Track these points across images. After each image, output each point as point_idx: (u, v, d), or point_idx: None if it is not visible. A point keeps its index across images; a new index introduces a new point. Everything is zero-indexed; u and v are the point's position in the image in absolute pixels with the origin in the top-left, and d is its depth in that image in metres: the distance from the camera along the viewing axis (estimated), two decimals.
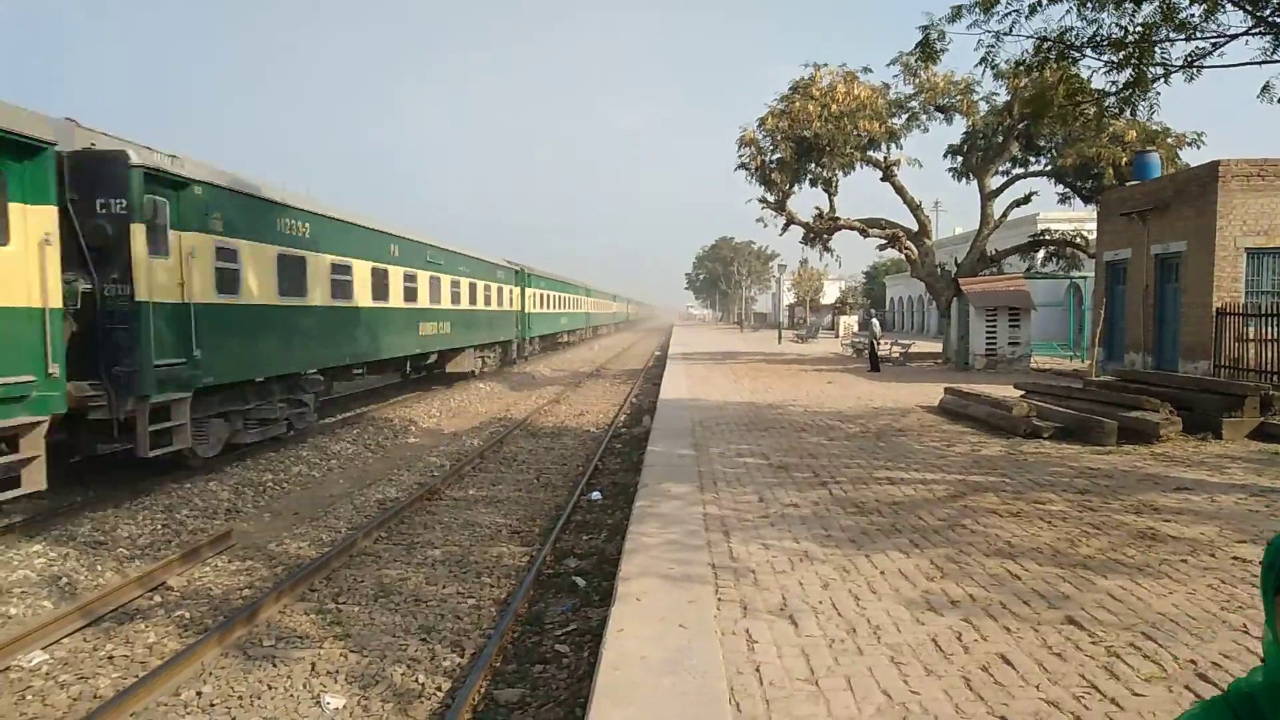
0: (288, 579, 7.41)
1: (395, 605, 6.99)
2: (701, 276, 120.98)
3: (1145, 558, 6.25)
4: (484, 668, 5.61)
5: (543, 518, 9.88)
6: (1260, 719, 1.17)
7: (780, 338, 47.29)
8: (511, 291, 31.71)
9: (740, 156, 25.74)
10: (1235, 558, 6.20)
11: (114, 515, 9.37)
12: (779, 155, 24.93)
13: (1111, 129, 21.92)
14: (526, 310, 34.01)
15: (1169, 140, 23.17)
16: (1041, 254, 29.10)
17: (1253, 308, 16.38)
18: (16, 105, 8.40)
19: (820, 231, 27.77)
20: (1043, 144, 25.67)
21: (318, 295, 14.54)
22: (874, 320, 26.44)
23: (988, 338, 24.39)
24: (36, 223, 8.39)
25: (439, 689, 5.51)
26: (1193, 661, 4.40)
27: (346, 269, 15.82)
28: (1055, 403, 13.43)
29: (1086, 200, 26.20)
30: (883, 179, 26.29)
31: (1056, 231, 28.33)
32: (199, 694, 5.38)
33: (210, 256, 11.21)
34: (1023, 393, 14.85)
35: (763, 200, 27.46)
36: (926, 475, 9.47)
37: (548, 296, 40.23)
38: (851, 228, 27.38)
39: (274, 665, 5.82)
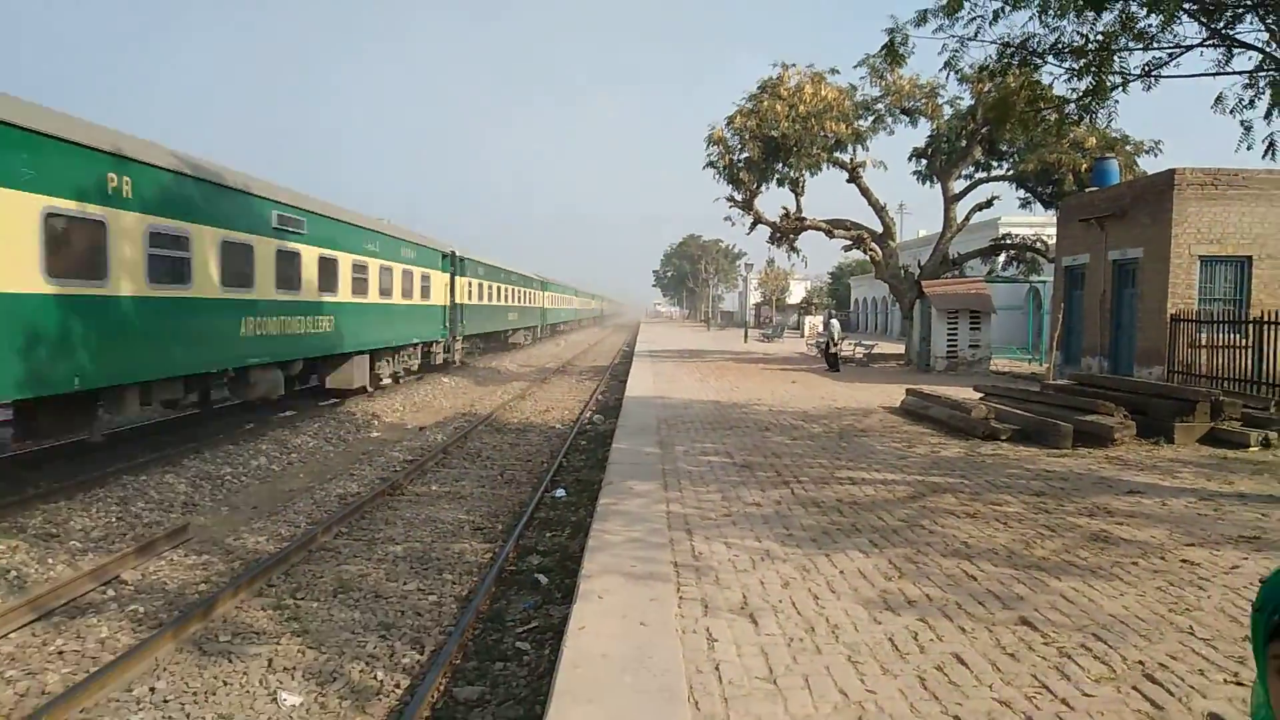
0: (245, 574, 7.32)
1: (355, 601, 6.93)
2: (669, 274, 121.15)
3: (1098, 560, 6.39)
4: (444, 665, 5.59)
5: (506, 514, 9.85)
6: None
7: (746, 336, 47.53)
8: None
9: (709, 155, 25.81)
10: (1184, 560, 6.36)
11: (66, 507, 9.18)
12: (747, 154, 25.03)
13: (1072, 135, 22.30)
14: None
15: (1128, 148, 23.65)
16: (1002, 258, 29.51)
17: (1205, 315, 16.78)
18: None
19: (787, 231, 27.94)
20: (1005, 149, 26.04)
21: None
22: (833, 322, 26.70)
23: (949, 340, 24.73)
24: None
25: (398, 686, 5.48)
26: (1141, 663, 4.51)
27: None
28: (1013, 405, 13.65)
29: (1047, 205, 26.66)
30: (849, 180, 26.51)
31: (1017, 236, 28.75)
32: (152, 690, 5.30)
33: None
34: (982, 395, 15.08)
35: (730, 199, 27.55)
36: (887, 475, 9.59)
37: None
38: (817, 228, 27.58)
39: (230, 661, 5.75)
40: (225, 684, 5.44)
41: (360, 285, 18.41)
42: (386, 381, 20.83)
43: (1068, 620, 5.13)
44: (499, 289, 36.77)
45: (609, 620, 5.07)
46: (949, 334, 24.70)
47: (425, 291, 23.76)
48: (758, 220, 28.01)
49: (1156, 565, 6.25)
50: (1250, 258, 17.29)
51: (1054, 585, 5.79)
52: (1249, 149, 10.89)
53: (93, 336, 9.94)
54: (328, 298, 16.51)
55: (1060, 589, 5.71)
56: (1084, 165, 23.34)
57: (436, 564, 7.95)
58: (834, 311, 47.60)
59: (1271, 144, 10.43)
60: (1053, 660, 4.54)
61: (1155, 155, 23.91)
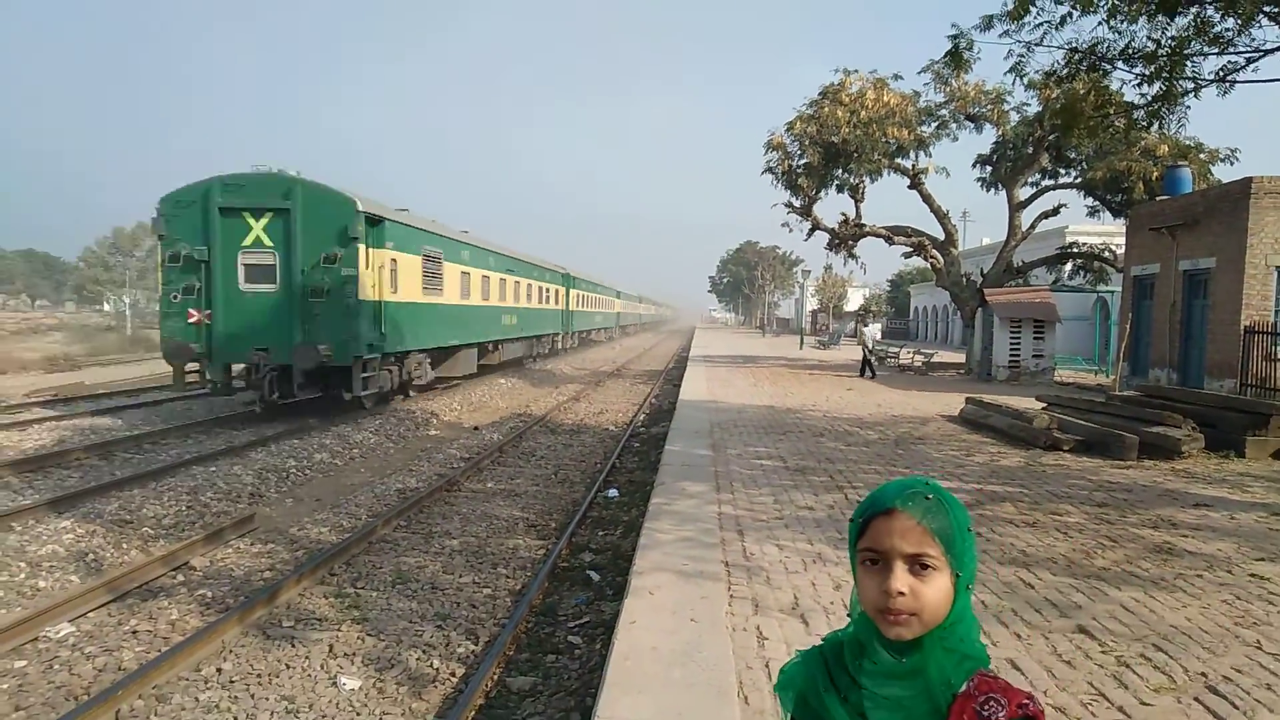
0: (308, 562, 7.54)
1: (412, 592, 7.10)
2: (725, 280, 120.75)
3: (1160, 571, 6.24)
4: (497, 655, 5.70)
5: (559, 513, 9.96)
6: (842, 662, 1.35)
7: (802, 343, 47.18)
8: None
9: (767, 160, 25.73)
10: (1252, 575, 6.17)
11: (140, 495, 9.57)
12: (806, 160, 24.88)
13: (1143, 143, 21.72)
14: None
15: (1201, 156, 22.90)
16: (1069, 267, 28.83)
17: None
18: None
19: (845, 238, 27.68)
20: (1072, 156, 25.41)
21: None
22: (867, 328, 26.39)
23: (1011, 349, 24.22)
24: None
25: (453, 674, 5.60)
26: (1203, 674, 4.41)
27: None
28: (1077, 415, 13.34)
29: (1116, 214, 25.96)
30: (910, 187, 26.16)
31: (1085, 244, 28.08)
32: (219, 670, 5.51)
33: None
34: (1044, 405, 14.76)
35: (789, 205, 27.42)
36: (944, 483, 9.44)
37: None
38: (877, 235, 27.28)
39: (292, 645, 5.94)
40: (288, 667, 5.63)
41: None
42: (535, 356, 32.75)
43: (1127, 630, 5.03)
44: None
45: (660, 615, 5.12)
46: (1011, 343, 24.18)
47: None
48: (816, 226, 27.81)
49: (1223, 579, 6.07)
50: None
51: (1114, 595, 5.67)
52: None
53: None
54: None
55: (1120, 599, 5.59)
56: (1155, 173, 22.69)
57: (491, 558, 8.09)
58: (866, 317, 47.18)
59: None
60: (1110, 669, 4.46)
61: (1231, 164, 23.17)
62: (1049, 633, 4.99)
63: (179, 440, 13.38)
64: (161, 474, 10.56)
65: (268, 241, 14.83)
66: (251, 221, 14.82)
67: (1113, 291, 29.09)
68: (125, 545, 8.12)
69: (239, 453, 12.04)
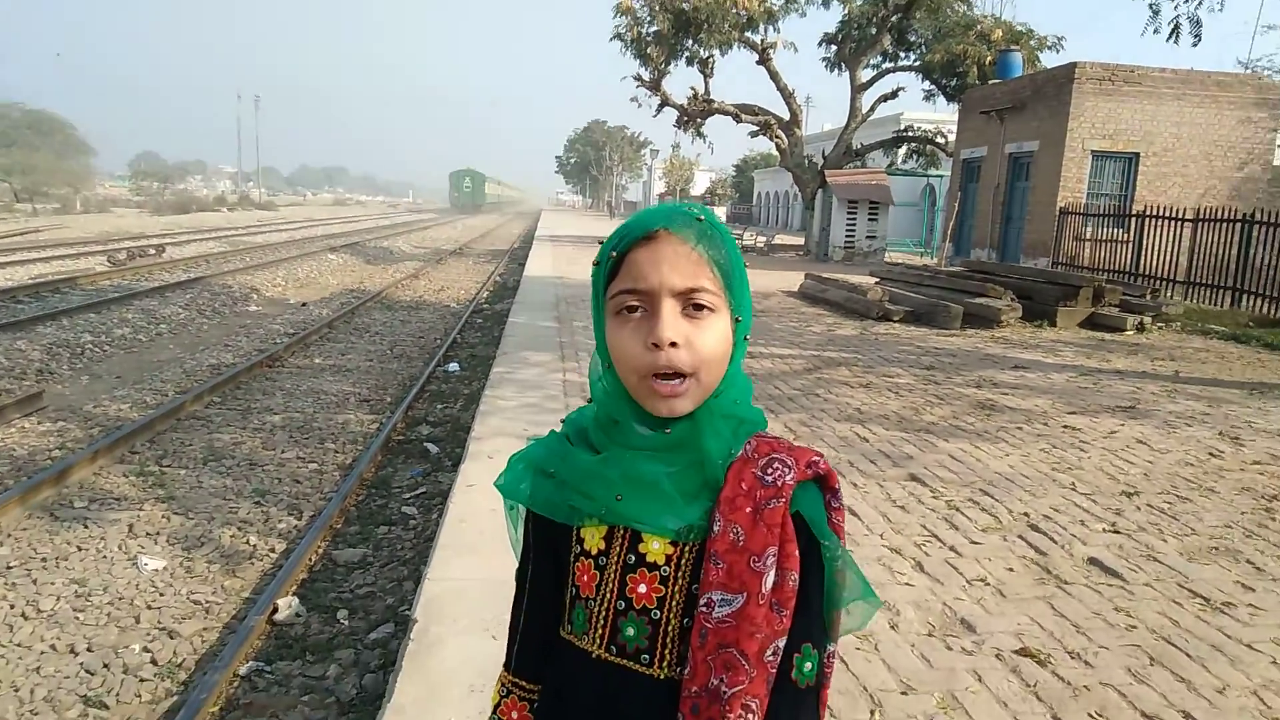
0: (104, 438, 6.77)
1: (227, 469, 6.51)
2: (573, 160, 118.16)
3: (984, 425, 6.53)
4: (322, 529, 5.30)
5: (395, 387, 9.45)
6: (587, 442, 1.07)
7: None
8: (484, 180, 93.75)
9: (616, 25, 24.73)
10: (1065, 426, 6.55)
11: None
12: (656, 28, 24.07)
13: (979, 27, 22.25)
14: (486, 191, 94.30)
15: (1031, 43, 23.77)
16: (903, 150, 29.73)
17: (1093, 208, 17.30)
18: None
19: (695, 114, 27.31)
20: (913, 39, 25.87)
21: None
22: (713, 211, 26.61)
23: (848, 230, 24.94)
24: None
25: (272, 550, 5.17)
26: (1025, 514, 4.60)
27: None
28: (907, 289, 13.88)
29: (950, 98, 26.75)
30: (759, 63, 25.92)
31: (919, 129, 28.92)
32: None
33: None
34: (877, 279, 15.28)
35: (638, 78, 26.65)
36: (784, 351, 9.59)
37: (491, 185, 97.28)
38: (725, 112, 27.05)
39: (85, 527, 5.30)
40: (79, 549, 5.02)
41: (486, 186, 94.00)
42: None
43: (956, 477, 5.20)
44: (494, 185, 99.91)
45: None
46: (848, 224, 24.88)
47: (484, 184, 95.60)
48: (665, 102, 27.26)
49: (1040, 430, 6.42)
50: (1138, 154, 17.82)
51: (942, 446, 5.87)
52: (1155, 32, 10.95)
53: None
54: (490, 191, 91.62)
55: (948, 450, 5.79)
56: (989, 58, 23.38)
57: (319, 433, 7.55)
58: (716, 200, 47.87)
59: (1176, 26, 10.50)
60: (942, 512, 4.59)
61: (1057, 51, 24.19)
62: (883, 481, 5.08)
63: None
64: None
65: None
66: None
67: (941, 177, 30.37)
68: None
69: (23, 326, 10.68)
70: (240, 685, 3.80)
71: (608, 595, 1.04)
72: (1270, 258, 12.74)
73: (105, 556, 4.96)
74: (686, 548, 1.01)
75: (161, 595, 4.58)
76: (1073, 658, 3.16)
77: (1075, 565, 3.98)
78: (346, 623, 4.38)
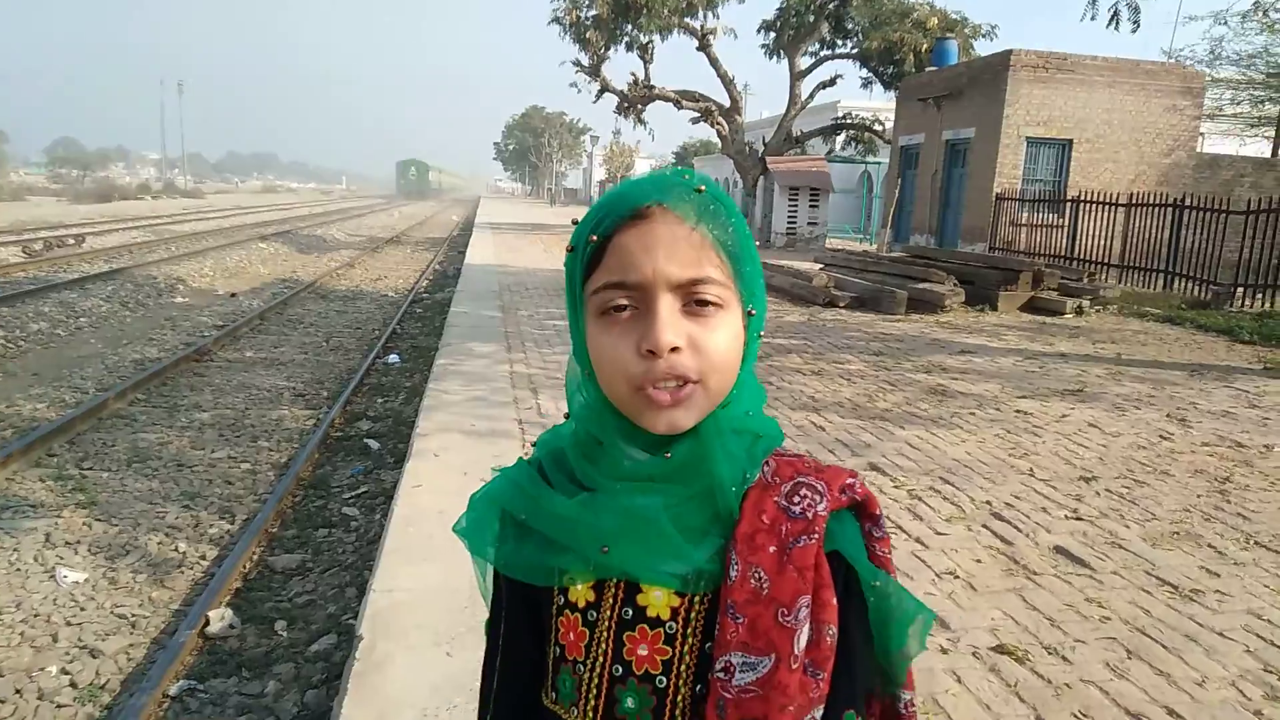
0: (17, 441, 6.32)
1: (153, 471, 6.12)
2: (511, 147, 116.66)
3: (938, 411, 6.49)
4: (257, 533, 4.99)
5: (332, 380, 9.08)
6: (567, 471, 0.87)
7: None
8: (434, 174, 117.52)
9: (554, 9, 24.31)
10: (1018, 410, 6.55)
11: None
12: (595, 11, 23.73)
13: (915, 14, 22.43)
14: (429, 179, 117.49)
15: (966, 30, 24.08)
16: (841, 138, 29.93)
17: (1028, 194, 17.59)
18: None
19: (635, 100, 27.07)
20: (850, 26, 25.99)
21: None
22: None
23: (789, 217, 25.03)
24: None
25: (203, 558, 4.85)
26: (988, 502, 4.53)
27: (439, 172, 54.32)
28: (852, 275, 13.91)
29: (887, 86, 26.97)
30: (698, 48, 25.78)
31: (857, 116, 29.13)
32: None
33: None
34: (822, 265, 15.30)
35: (576, 63, 26.30)
36: None
37: (436, 174, 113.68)
38: (666, 98, 26.87)
39: None
40: None
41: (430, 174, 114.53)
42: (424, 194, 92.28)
43: (915, 465, 5.12)
44: (437, 174, 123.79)
45: (448, 476, 4.62)
46: (789, 210, 24.98)
47: (427, 173, 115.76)
48: (605, 88, 26.95)
49: (993, 415, 6.40)
50: (1071, 140, 18.15)
51: (899, 434, 5.80)
52: (1093, 19, 11.07)
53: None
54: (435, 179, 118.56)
55: (905, 437, 5.72)
56: (925, 45, 23.61)
57: (251, 431, 7.17)
58: None
59: (1115, 14, 10.62)
60: (905, 502, 4.49)
61: (991, 39, 24.53)
62: None
63: None
64: None
65: None
66: None
67: (879, 163, 30.68)
68: None
69: None
70: (170, 707, 3.52)
71: (600, 658, 0.84)
72: (1199, 241, 13.07)
73: (19, 569, 4.60)
74: (696, 598, 0.82)
75: (82, 610, 4.25)
76: (1050, 653, 3.07)
77: (1042, 555, 3.92)
78: (285, 634, 4.11)
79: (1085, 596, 3.52)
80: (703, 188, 0.80)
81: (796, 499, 0.81)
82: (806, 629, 0.78)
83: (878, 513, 0.86)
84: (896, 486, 4.74)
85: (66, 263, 16.60)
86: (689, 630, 0.82)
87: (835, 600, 0.79)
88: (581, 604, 0.85)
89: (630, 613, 0.83)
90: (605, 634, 0.84)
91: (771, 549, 0.79)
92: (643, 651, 0.82)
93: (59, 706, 3.52)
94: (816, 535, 0.79)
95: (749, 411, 0.85)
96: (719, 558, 0.80)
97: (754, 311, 0.82)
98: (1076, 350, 9.36)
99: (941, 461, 5.22)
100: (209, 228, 28.82)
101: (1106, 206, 15.06)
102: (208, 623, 4.05)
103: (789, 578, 0.78)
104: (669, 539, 0.80)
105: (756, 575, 0.78)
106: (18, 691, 3.59)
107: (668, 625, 0.82)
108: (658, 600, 0.82)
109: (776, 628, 0.77)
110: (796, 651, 0.77)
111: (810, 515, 0.80)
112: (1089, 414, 6.51)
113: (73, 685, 3.66)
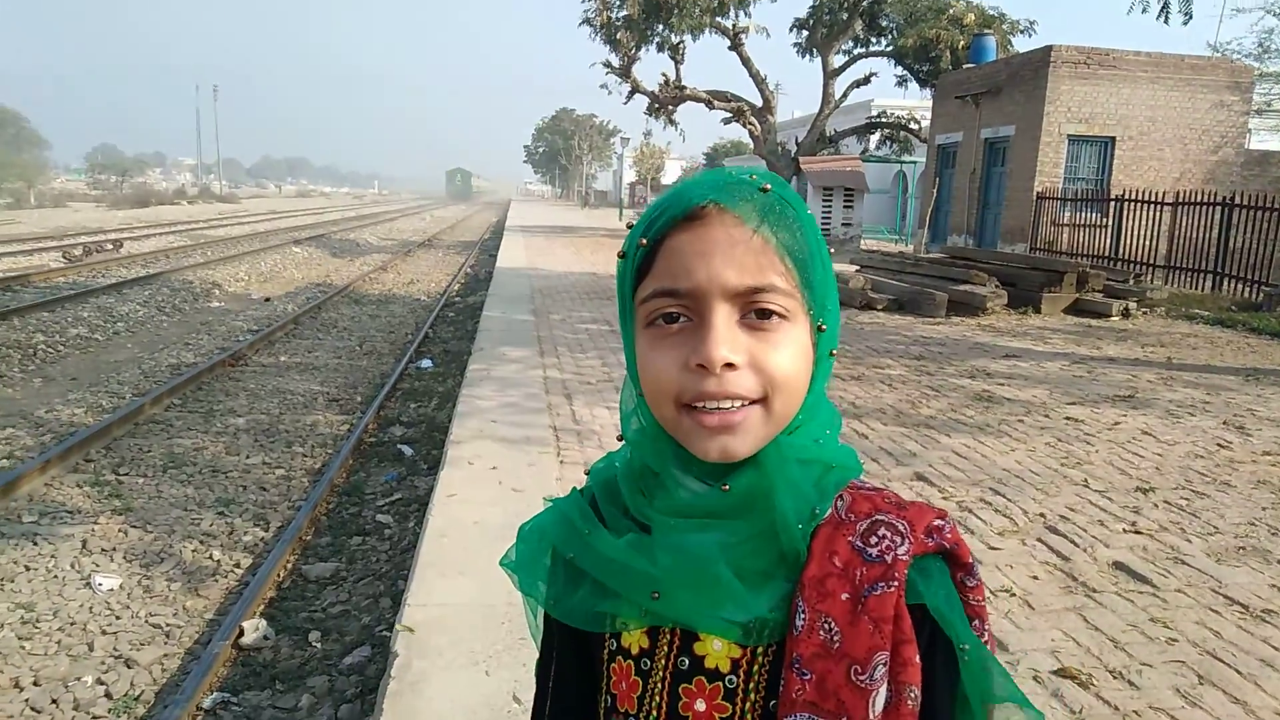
0: (56, 446, 6.35)
1: (188, 477, 6.12)
2: (541, 150, 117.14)
3: (984, 418, 6.30)
4: (291, 541, 4.94)
5: (365, 386, 9.07)
6: (620, 505, 0.80)
7: (621, 214, 46.70)
8: (472, 177, 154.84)
9: (585, 10, 24.29)
10: (1068, 418, 6.34)
11: None
12: (626, 12, 23.66)
13: (951, 10, 22.10)
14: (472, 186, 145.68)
15: (1004, 26, 23.68)
16: (876, 137, 29.60)
17: (1069, 193, 17.22)
18: None
19: (666, 101, 26.97)
20: (885, 24, 25.70)
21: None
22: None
23: (823, 218, 24.74)
24: None
25: (238, 565, 4.81)
26: (1041, 515, 4.36)
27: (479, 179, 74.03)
28: (889, 276, 13.68)
29: (923, 84, 26.62)
30: (730, 48, 25.61)
31: (892, 115, 28.79)
32: None
33: None
34: (858, 267, 15.07)
35: (607, 64, 26.26)
36: None
37: (477, 181, 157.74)
38: (698, 99, 26.74)
39: (34, 544, 4.91)
40: (28, 569, 4.64)
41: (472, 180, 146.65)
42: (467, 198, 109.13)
43: (964, 475, 4.96)
44: (478, 181, 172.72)
45: (482, 486, 4.53)
46: (824, 211, 24.70)
47: (470, 179, 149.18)
48: (635, 89, 26.88)
49: (1042, 422, 6.20)
50: (1114, 138, 17.74)
51: (945, 442, 5.63)
52: (1144, 11, 10.75)
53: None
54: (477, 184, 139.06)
55: (951, 445, 5.55)
56: (961, 43, 23.25)
57: (285, 437, 7.16)
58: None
59: (1165, 5, 10.31)
60: (955, 515, 4.33)
61: (1029, 35, 24.12)
62: (889, 481, 4.83)
63: None
64: None
65: None
66: None
67: (914, 163, 30.29)
68: None
69: None
70: (203, 719, 3.46)
71: (654, 711, 0.76)
72: (1250, 241, 12.68)
73: (56, 576, 4.59)
74: (759, 650, 0.73)
75: (117, 619, 4.22)
76: (1116, 677, 2.91)
77: (1101, 570, 3.74)
78: (319, 646, 4.05)
79: (1150, 616, 3.35)
80: (768, 186, 0.72)
81: (874, 539, 0.72)
82: (884, 690, 0.69)
83: (970, 561, 0.75)
84: (945, 498, 4.58)
85: (105, 268, 16.84)
86: (751, 685, 0.74)
87: (918, 658, 0.70)
88: (635, 651, 0.78)
89: (687, 663, 0.76)
90: (660, 686, 0.77)
91: (844, 596, 0.70)
92: (700, 707, 0.75)
93: (94, 718, 3.48)
94: (896, 582, 0.70)
95: (819, 439, 0.76)
96: (784, 605, 0.72)
97: (825, 327, 0.74)
98: (1125, 354, 9.09)
99: (991, 471, 5.04)
100: (244, 232, 29.18)
101: (1152, 205, 14.69)
102: (241, 633, 3.99)
103: (863, 630, 0.69)
104: (726, 584, 0.72)
105: (826, 626, 0.70)
106: (54, 702, 3.56)
107: (727, 679, 0.75)
108: (717, 651, 0.75)
109: (848, 687, 0.68)
110: (872, 716, 0.68)
111: (889, 559, 0.71)
112: (1142, 421, 6.28)
113: (108, 696, 3.62)
